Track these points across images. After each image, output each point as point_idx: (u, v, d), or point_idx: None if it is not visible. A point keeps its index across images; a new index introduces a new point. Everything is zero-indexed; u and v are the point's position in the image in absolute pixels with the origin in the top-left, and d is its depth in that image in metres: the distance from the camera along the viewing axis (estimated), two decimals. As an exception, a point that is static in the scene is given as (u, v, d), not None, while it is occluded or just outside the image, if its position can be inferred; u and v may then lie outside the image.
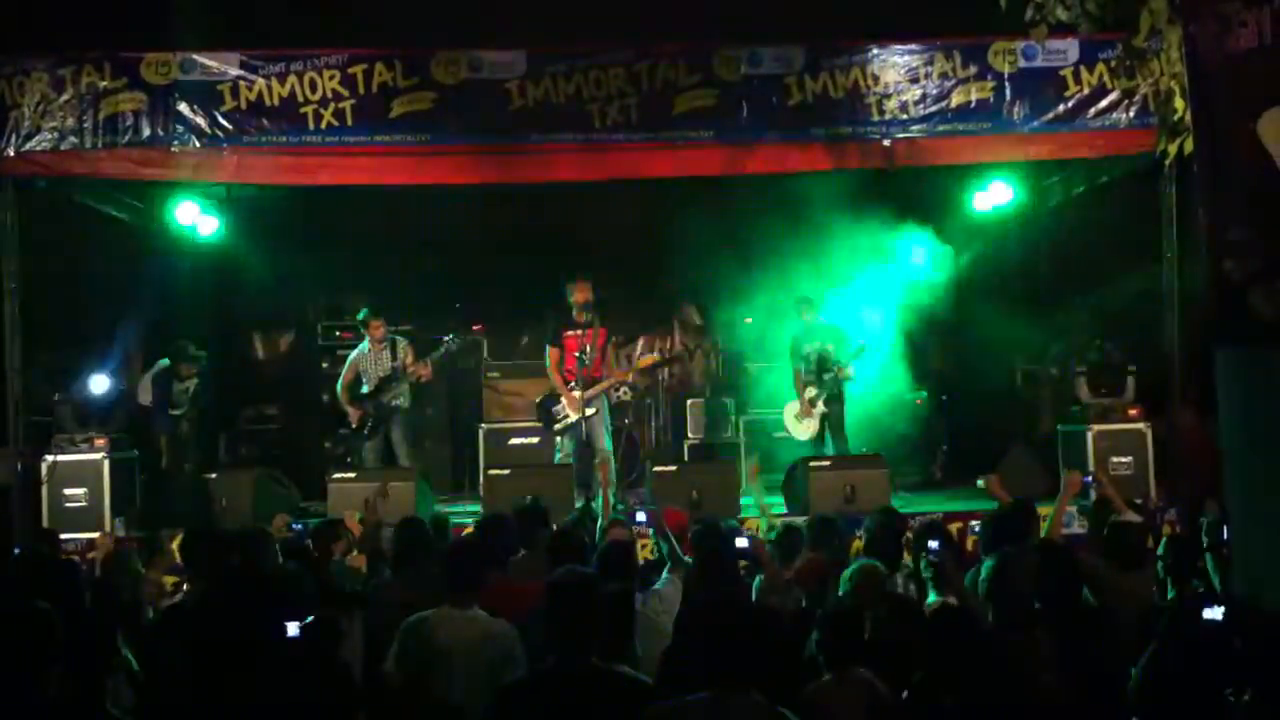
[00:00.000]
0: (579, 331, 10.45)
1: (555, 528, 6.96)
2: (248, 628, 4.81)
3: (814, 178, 10.87)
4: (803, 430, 11.12)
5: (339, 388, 11.14)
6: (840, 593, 5.53)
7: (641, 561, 7.37)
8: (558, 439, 10.55)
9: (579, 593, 4.15)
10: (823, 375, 10.93)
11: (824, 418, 10.98)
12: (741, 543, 6.38)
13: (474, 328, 13.24)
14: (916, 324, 12.55)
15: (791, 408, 11.23)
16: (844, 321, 11.45)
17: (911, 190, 11.91)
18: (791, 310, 11.46)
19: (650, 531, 7.15)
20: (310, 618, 4.65)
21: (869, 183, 11.28)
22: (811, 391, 10.97)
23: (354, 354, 11.20)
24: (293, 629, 4.52)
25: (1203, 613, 4.43)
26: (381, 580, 6.63)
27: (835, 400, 10.97)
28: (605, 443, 10.45)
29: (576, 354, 10.37)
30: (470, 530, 7.60)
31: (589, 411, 10.29)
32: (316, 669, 4.56)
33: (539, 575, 5.12)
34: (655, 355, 11.73)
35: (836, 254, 11.99)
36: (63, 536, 8.71)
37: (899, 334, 12.29)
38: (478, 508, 9.86)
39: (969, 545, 8.31)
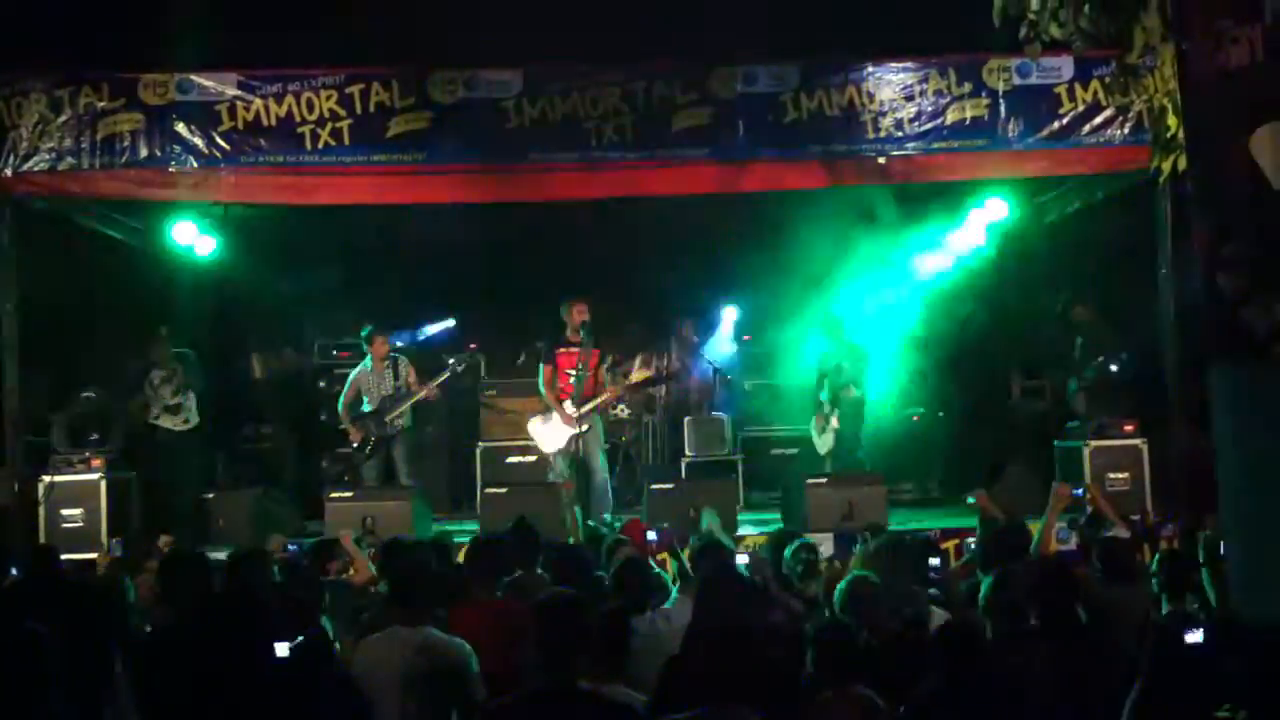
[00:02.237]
0: (573, 350, 10.47)
1: (555, 546, 6.96)
2: (228, 653, 4.76)
3: (812, 195, 10.92)
4: (822, 445, 11.18)
5: (340, 406, 11.14)
6: (836, 607, 5.53)
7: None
8: (551, 458, 10.55)
9: (564, 613, 4.15)
10: (836, 392, 11.00)
11: (837, 435, 11.01)
12: (741, 559, 6.39)
13: (469, 346, 13.27)
14: (914, 340, 12.61)
15: (815, 423, 11.30)
16: (856, 339, 11.51)
17: (909, 207, 11.95)
18: (809, 328, 11.60)
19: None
20: (300, 638, 4.64)
21: (866, 200, 11.33)
22: (826, 408, 11.05)
23: (355, 372, 11.21)
24: (282, 650, 4.49)
25: (1185, 636, 4.43)
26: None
27: (848, 418, 11.02)
28: (600, 461, 10.46)
29: (569, 371, 10.41)
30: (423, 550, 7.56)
31: (582, 428, 10.33)
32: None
33: (534, 595, 5.12)
34: (647, 371, 11.74)
35: (836, 271, 12.04)
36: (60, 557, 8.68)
37: (897, 350, 12.34)
38: (475, 526, 9.86)
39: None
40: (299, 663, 4.59)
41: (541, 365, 10.66)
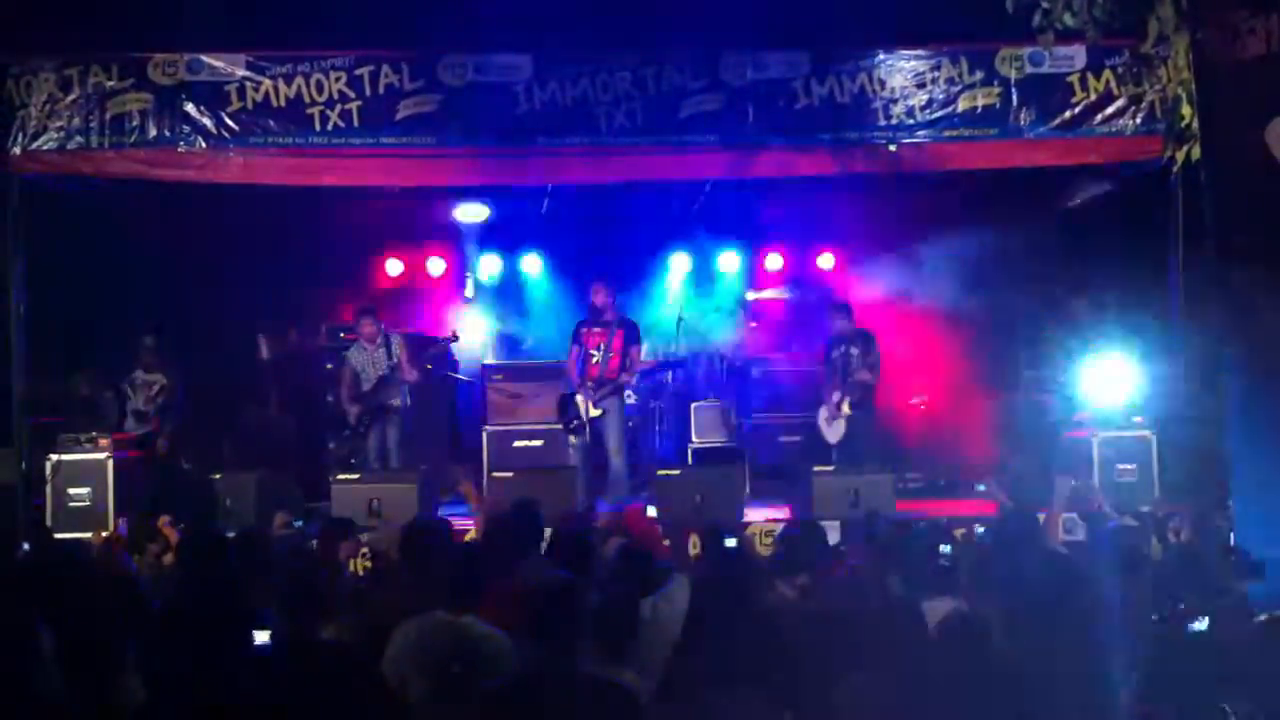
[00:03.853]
0: (597, 330, 10.50)
1: (557, 531, 6.95)
2: (227, 635, 4.72)
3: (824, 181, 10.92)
4: (833, 434, 11.13)
5: (342, 389, 11.15)
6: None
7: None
8: (571, 438, 10.56)
9: (560, 598, 4.13)
10: (847, 380, 10.97)
11: (850, 421, 10.98)
12: (730, 543, 6.37)
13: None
14: (920, 329, 12.57)
15: (823, 411, 11.24)
16: (865, 326, 11.49)
17: (920, 193, 11.91)
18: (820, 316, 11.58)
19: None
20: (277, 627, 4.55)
21: (878, 188, 11.31)
22: (837, 396, 10.99)
23: (349, 352, 11.23)
24: (261, 638, 4.39)
25: (1190, 625, 4.43)
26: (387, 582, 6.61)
27: (861, 405, 10.99)
28: (617, 445, 10.43)
29: (593, 351, 10.43)
30: (472, 535, 7.57)
31: (595, 412, 10.32)
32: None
33: (538, 578, 5.11)
34: (654, 358, 11.73)
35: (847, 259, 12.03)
36: (67, 536, 8.70)
37: (903, 338, 12.31)
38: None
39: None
40: (283, 648, 4.48)
41: (570, 345, 10.70)
